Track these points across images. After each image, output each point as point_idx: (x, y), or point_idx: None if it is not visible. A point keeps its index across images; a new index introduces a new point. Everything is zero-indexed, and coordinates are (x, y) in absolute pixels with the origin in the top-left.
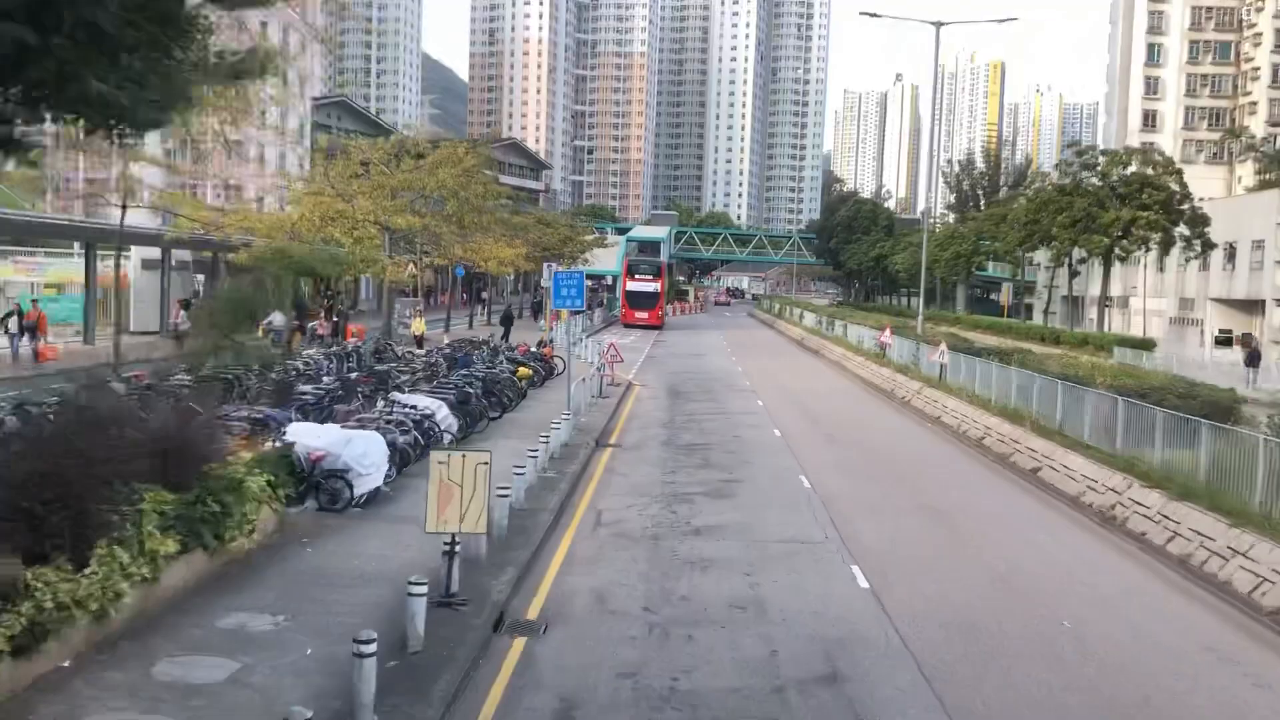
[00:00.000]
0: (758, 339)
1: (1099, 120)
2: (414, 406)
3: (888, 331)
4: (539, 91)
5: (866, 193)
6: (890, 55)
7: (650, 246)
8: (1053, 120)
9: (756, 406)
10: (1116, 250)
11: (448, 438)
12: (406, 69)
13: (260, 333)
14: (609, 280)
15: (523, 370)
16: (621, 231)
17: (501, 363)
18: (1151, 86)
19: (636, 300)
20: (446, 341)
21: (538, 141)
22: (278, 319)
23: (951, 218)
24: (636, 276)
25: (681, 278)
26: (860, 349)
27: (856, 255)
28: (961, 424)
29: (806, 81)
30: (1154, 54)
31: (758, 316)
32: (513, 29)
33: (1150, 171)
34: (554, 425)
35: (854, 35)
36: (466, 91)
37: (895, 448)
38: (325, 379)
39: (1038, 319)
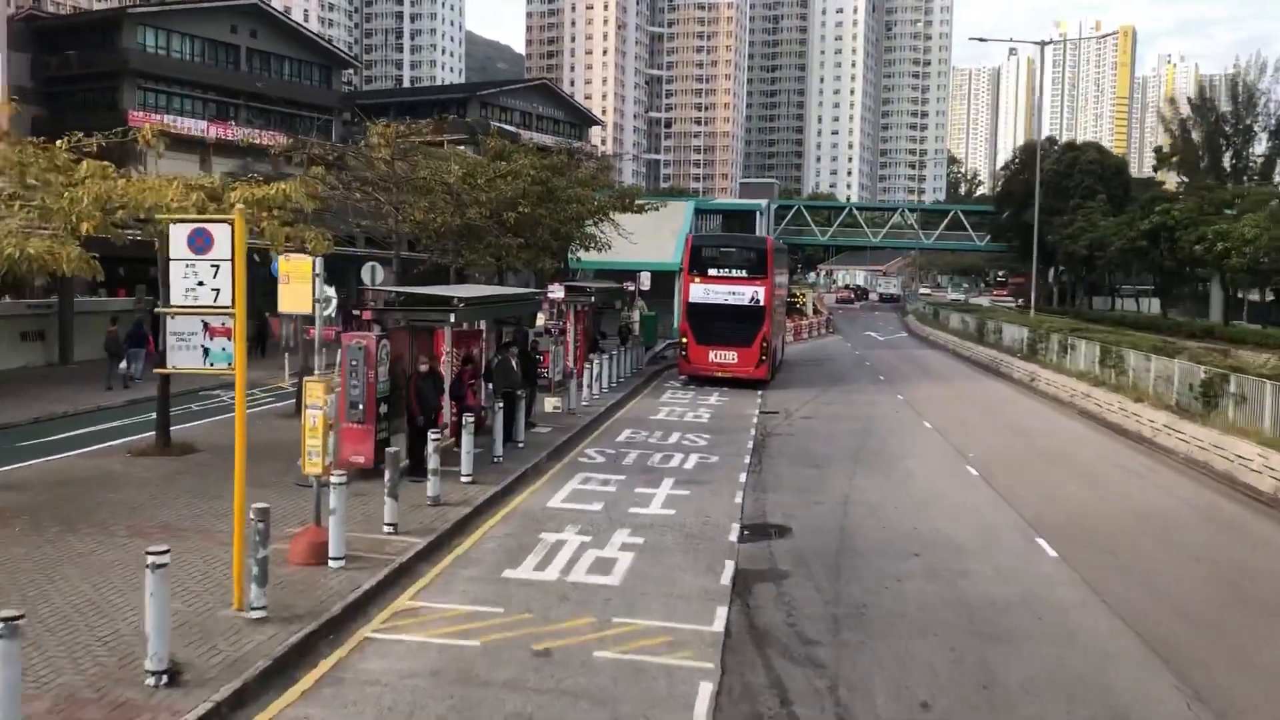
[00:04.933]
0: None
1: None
2: None
3: None
4: (605, 53)
5: (984, 175)
6: (1002, 28)
7: (744, 220)
8: (1188, 94)
9: None
10: None
11: None
12: (447, 28)
13: None
14: (642, 280)
15: None
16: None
17: None
18: None
19: (709, 324)
20: None
21: (604, 113)
22: None
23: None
24: (709, 274)
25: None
26: None
27: (1087, 232)
28: None
29: (928, 36)
30: None
31: (941, 344)
32: None
33: None
34: None
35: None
36: (524, 62)
37: None
38: None
39: None
